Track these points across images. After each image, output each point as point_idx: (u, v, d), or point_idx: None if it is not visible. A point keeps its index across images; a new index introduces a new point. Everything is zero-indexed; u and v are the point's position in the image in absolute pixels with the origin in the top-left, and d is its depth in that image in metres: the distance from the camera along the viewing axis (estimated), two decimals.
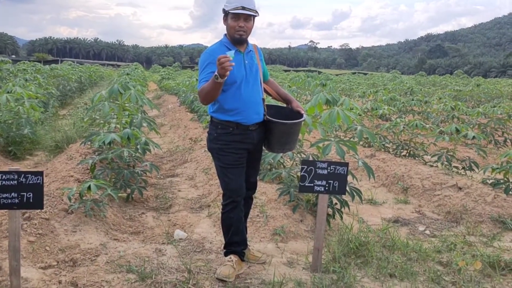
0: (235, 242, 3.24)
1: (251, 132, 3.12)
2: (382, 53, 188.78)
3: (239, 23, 2.98)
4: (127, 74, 12.72)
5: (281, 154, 4.38)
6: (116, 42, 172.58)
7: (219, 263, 3.36)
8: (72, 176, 4.71)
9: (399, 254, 3.65)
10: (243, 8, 2.93)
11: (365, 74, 54.29)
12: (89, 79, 20.91)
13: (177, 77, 24.04)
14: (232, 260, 3.18)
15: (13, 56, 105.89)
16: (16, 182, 2.73)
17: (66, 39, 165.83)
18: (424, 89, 20.51)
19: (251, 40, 3.21)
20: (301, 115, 3.18)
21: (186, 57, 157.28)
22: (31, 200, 2.77)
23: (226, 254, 3.28)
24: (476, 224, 4.44)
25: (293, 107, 3.28)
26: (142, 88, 9.72)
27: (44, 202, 3.97)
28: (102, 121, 6.37)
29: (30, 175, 2.75)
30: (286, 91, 3.48)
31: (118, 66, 65.55)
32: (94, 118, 6.62)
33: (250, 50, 3.18)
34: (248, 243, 3.43)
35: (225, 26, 3.09)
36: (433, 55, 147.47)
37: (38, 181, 2.76)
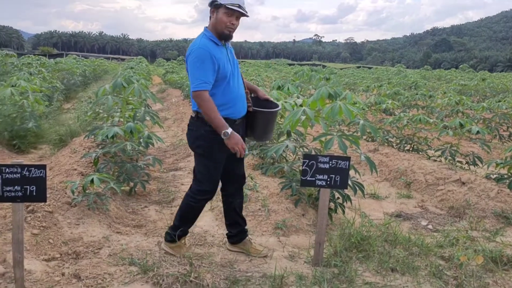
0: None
1: (237, 126, 3.12)
2: (387, 47, 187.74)
3: (231, 20, 2.98)
4: (131, 68, 12.73)
5: (283, 148, 4.38)
6: (121, 36, 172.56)
7: (221, 257, 3.38)
8: (75, 169, 4.74)
9: (401, 248, 3.65)
10: (240, 6, 2.95)
11: (370, 68, 54.09)
12: (93, 73, 20.95)
13: (181, 71, 24.01)
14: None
15: (22, 50, 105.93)
16: (19, 175, 2.74)
17: (71, 32, 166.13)
18: (429, 83, 20.42)
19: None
20: (271, 102, 3.36)
21: None
22: (34, 193, 2.78)
23: (179, 238, 3.35)
24: (479, 219, 4.43)
25: (260, 96, 3.38)
26: (146, 82, 9.73)
27: (48, 195, 4.01)
28: (105, 115, 6.38)
29: (33, 169, 2.76)
30: (249, 82, 3.56)
31: (123, 59, 65.54)
32: (97, 112, 6.64)
33: (228, 45, 3.18)
34: (250, 236, 3.45)
35: (212, 19, 3.03)
36: (438, 49, 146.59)
37: (41, 175, 2.77)
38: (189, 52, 3.02)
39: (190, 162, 6.45)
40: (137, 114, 5.43)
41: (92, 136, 5.11)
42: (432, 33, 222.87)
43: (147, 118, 5.43)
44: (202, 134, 3.08)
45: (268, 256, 3.45)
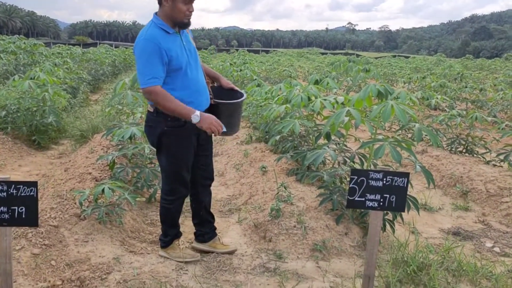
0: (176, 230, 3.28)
1: None
2: (423, 35, 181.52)
3: (189, 7, 2.76)
4: None
5: (322, 155, 3.78)
6: None
7: (249, 287, 2.84)
8: (90, 173, 4.28)
9: (466, 281, 3.01)
10: None
11: (407, 57, 52.23)
12: (123, 63, 20.71)
13: (212, 60, 23.57)
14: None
15: (58, 39, 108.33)
16: (5, 194, 2.27)
17: (105, 22, 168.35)
18: (473, 73, 19.11)
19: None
20: (236, 91, 3.11)
21: (222, 39, 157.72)
22: (23, 216, 2.30)
23: (170, 242, 3.22)
24: None
25: (224, 85, 3.17)
26: None
27: (55, 205, 3.56)
28: (128, 111, 5.92)
29: (22, 186, 2.28)
30: (211, 69, 3.28)
31: None
32: (119, 107, 6.18)
33: (183, 31, 2.92)
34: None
35: (165, 7, 2.74)
36: (477, 37, 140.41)
37: (32, 193, 2.29)
38: (135, 43, 2.74)
39: (217, 163, 5.93)
40: None
41: (110, 136, 4.64)
42: (471, 20, 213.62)
43: None
44: (163, 131, 2.85)
45: (235, 251, 3.35)
